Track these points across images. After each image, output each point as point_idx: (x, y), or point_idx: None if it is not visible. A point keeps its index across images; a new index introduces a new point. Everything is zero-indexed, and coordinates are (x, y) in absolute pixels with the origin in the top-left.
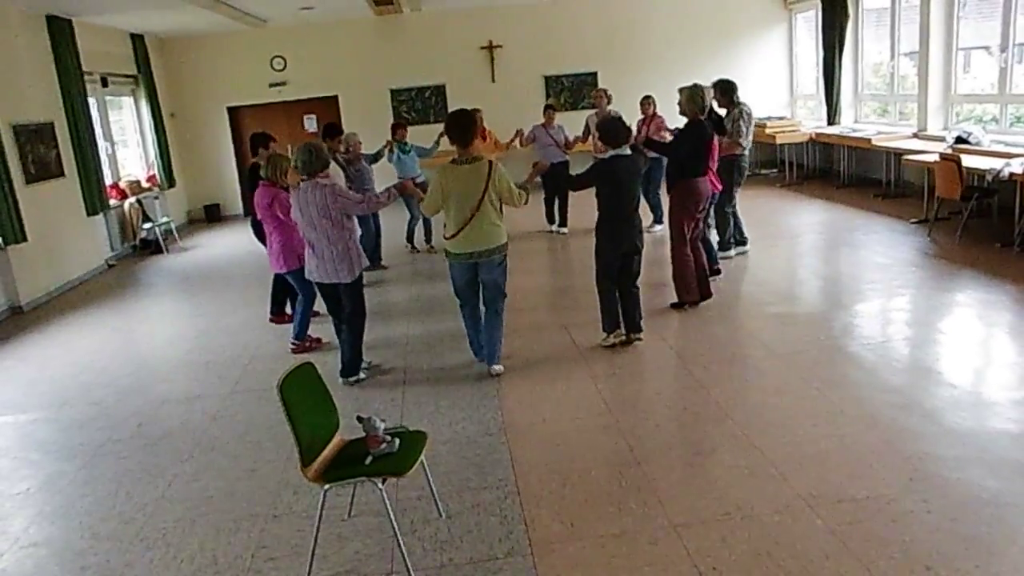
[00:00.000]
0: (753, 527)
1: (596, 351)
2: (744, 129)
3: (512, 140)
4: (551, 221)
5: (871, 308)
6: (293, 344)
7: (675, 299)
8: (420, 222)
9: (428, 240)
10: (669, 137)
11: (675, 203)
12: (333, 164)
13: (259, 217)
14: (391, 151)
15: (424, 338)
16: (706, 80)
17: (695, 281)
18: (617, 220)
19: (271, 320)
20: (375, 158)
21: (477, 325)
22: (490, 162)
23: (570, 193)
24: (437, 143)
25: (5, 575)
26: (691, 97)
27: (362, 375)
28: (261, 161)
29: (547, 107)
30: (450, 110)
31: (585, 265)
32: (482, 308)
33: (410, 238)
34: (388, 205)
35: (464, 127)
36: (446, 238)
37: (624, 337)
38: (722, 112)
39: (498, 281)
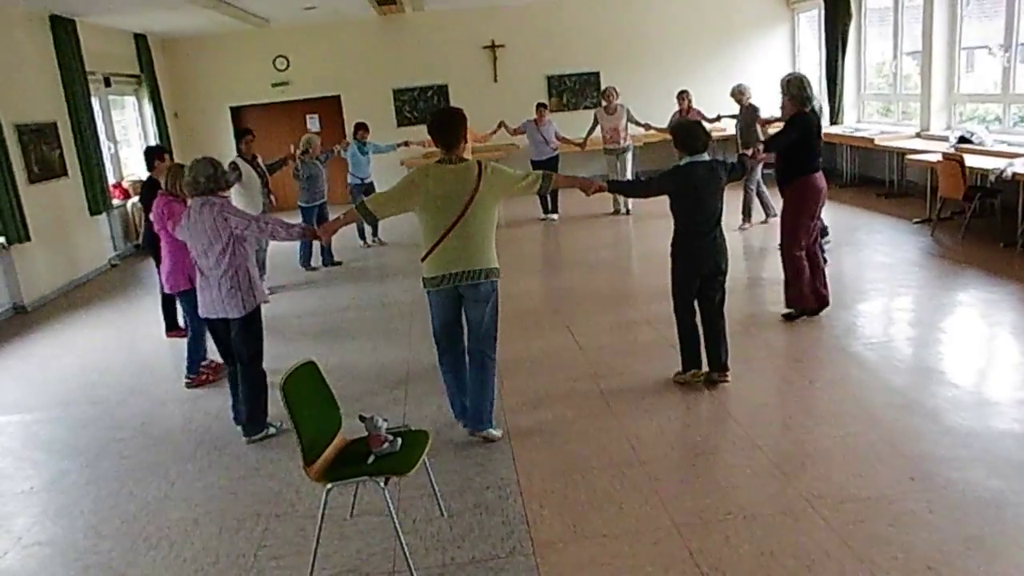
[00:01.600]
0: (755, 527)
1: (598, 350)
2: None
3: (494, 131)
4: (545, 210)
5: (874, 308)
6: (187, 379)
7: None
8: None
9: (375, 233)
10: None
11: (789, 202)
12: (248, 169)
13: (156, 229)
14: (345, 148)
15: (426, 336)
16: (709, 79)
17: (809, 288)
18: (694, 235)
19: (168, 335)
20: (327, 157)
21: (459, 378)
22: (479, 162)
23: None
24: (395, 146)
25: (9, 574)
26: (787, 89)
27: (271, 430)
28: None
29: (539, 105)
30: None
31: (581, 255)
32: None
33: (361, 234)
34: (287, 240)
35: (449, 127)
36: (421, 261)
37: (704, 376)
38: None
39: (486, 319)
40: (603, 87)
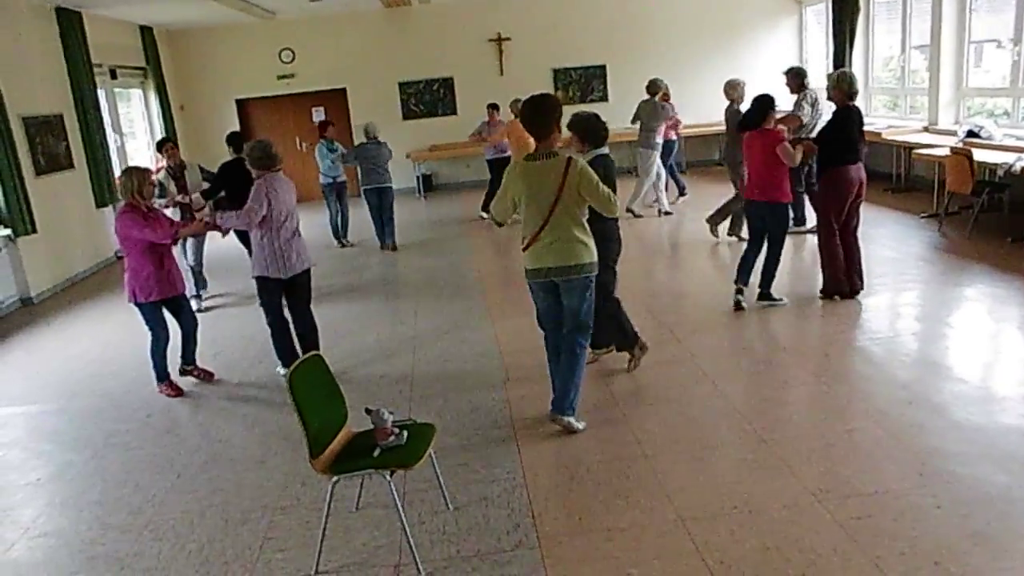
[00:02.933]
0: (761, 521)
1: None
2: (807, 109)
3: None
4: (485, 209)
5: (880, 302)
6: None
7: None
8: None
9: (345, 234)
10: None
11: (822, 190)
12: (164, 175)
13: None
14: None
15: (432, 329)
16: (716, 73)
17: (843, 272)
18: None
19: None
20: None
21: (557, 360)
22: (569, 158)
23: None
24: (355, 157)
25: (16, 565)
26: (838, 83)
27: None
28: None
29: (490, 105)
30: (458, 103)
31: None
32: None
33: (336, 235)
34: (179, 237)
35: (540, 115)
36: (523, 251)
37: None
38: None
39: (579, 310)
40: (609, 80)
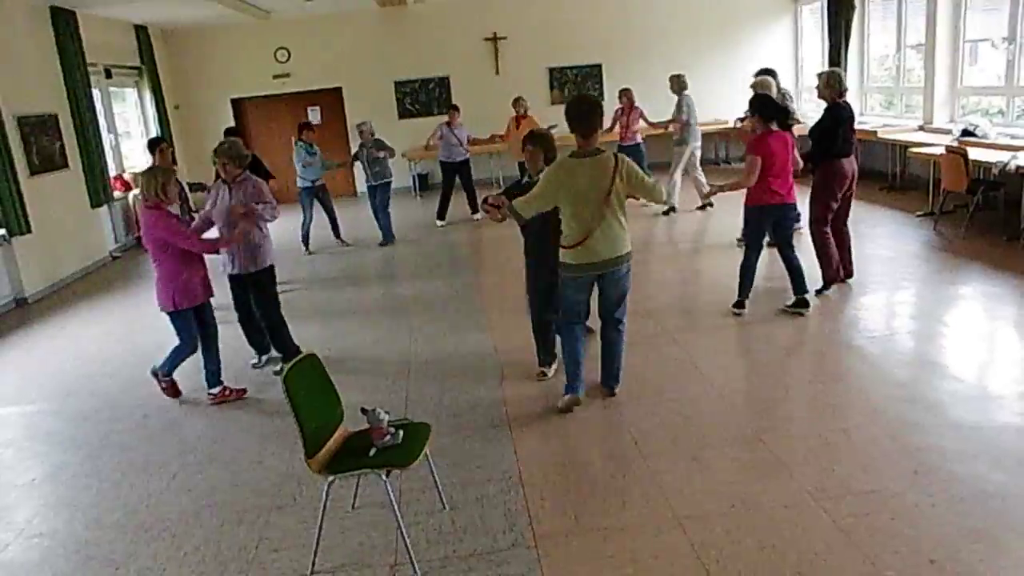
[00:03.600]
0: (757, 520)
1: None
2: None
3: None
4: (440, 217)
5: (876, 301)
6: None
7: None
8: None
9: (338, 234)
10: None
11: (818, 183)
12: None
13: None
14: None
15: (429, 329)
16: (712, 72)
17: (837, 261)
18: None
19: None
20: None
21: (580, 348)
22: (615, 154)
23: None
24: (339, 164)
25: (11, 565)
26: (828, 81)
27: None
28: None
29: (451, 107)
30: (454, 101)
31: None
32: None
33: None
34: (221, 247)
35: (592, 113)
36: (564, 247)
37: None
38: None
39: (626, 289)
40: (605, 80)
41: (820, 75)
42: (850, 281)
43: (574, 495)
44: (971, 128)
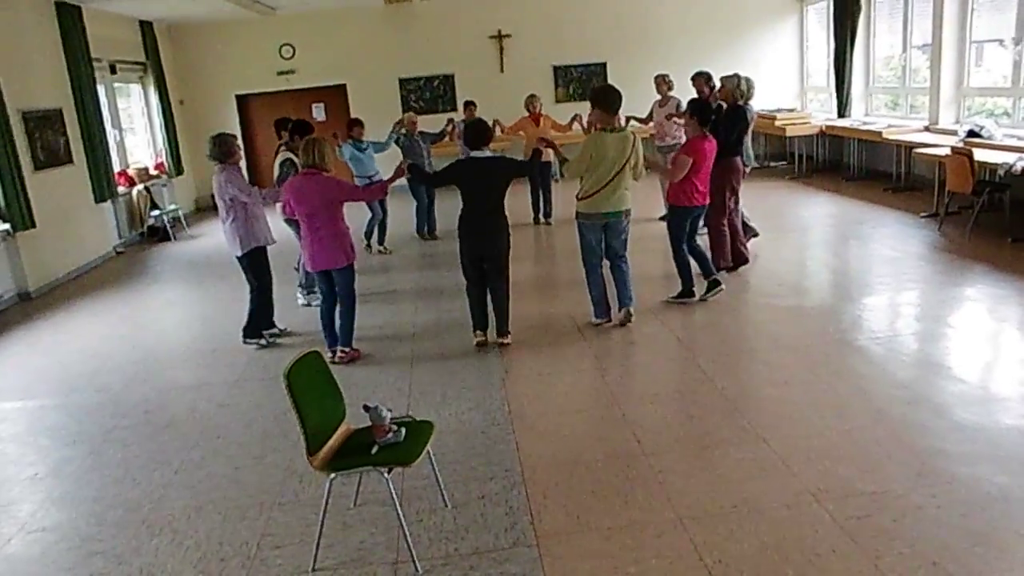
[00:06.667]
0: (760, 520)
1: (604, 343)
2: None
3: (569, 124)
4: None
5: (880, 302)
6: (342, 352)
7: (668, 294)
8: (379, 222)
9: (381, 241)
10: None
11: (717, 178)
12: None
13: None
14: (339, 147)
15: (431, 326)
16: (717, 72)
17: (730, 249)
18: (472, 218)
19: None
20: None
21: (601, 279)
22: (633, 134)
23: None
24: (391, 139)
25: (13, 560)
26: (737, 85)
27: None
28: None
29: (469, 103)
30: (458, 100)
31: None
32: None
33: (368, 236)
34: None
35: (617, 99)
36: (579, 199)
37: (483, 338)
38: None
39: (626, 239)
40: (610, 78)
41: (725, 79)
42: (830, 306)
43: (576, 494)
44: (977, 129)
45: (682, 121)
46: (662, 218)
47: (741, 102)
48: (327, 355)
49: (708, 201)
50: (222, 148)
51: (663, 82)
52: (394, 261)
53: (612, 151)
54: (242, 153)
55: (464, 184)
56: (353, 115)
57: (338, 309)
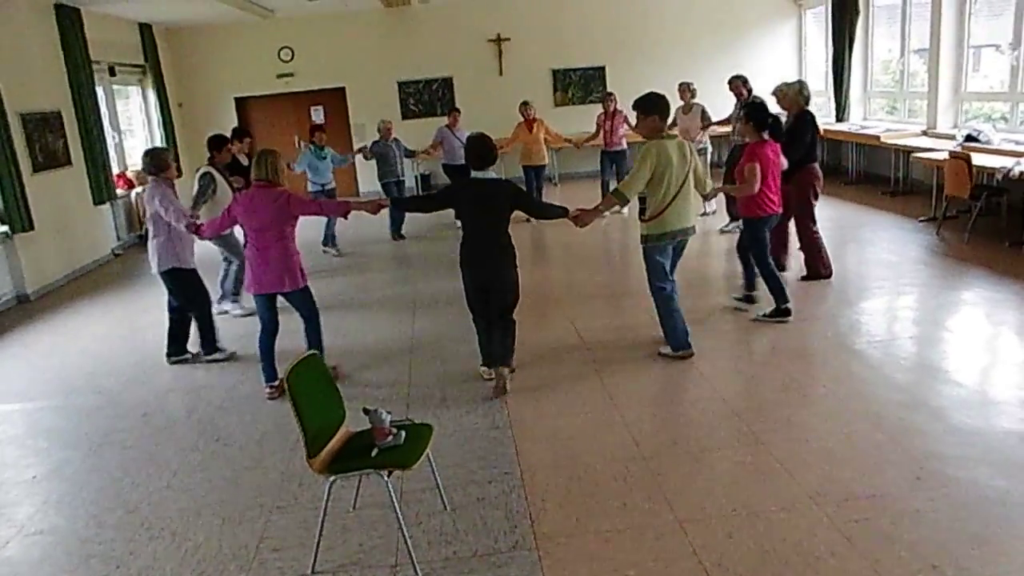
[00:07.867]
0: (759, 524)
1: (602, 347)
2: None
3: (586, 138)
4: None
5: (878, 306)
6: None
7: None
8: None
9: (330, 243)
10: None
11: (802, 186)
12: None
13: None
14: (300, 150)
15: (430, 331)
16: (716, 75)
17: (827, 256)
18: (471, 249)
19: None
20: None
21: (674, 303)
22: (683, 141)
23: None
24: (347, 158)
25: (11, 562)
26: (799, 92)
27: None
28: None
29: (453, 108)
30: (457, 103)
31: (581, 250)
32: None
33: (326, 242)
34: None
35: (666, 105)
36: (646, 220)
37: (490, 374)
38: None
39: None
40: (607, 83)
41: (789, 85)
42: (828, 310)
43: (575, 497)
44: (975, 134)
45: (728, 129)
46: (722, 230)
47: (806, 107)
48: (265, 392)
49: (781, 208)
50: (154, 161)
51: (687, 90)
52: (388, 262)
53: (676, 157)
54: (175, 171)
55: (463, 210)
56: (353, 119)
57: (303, 328)
